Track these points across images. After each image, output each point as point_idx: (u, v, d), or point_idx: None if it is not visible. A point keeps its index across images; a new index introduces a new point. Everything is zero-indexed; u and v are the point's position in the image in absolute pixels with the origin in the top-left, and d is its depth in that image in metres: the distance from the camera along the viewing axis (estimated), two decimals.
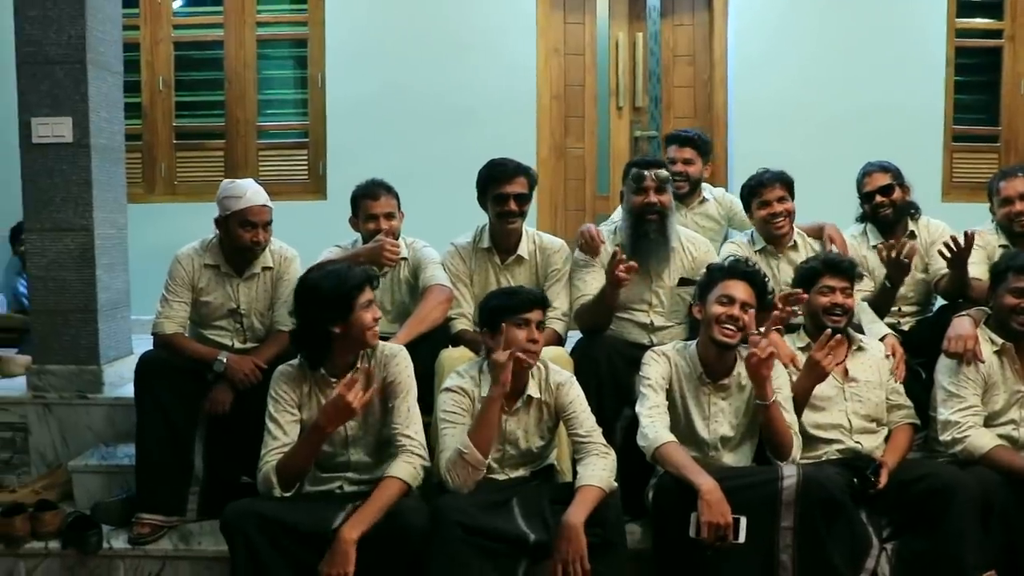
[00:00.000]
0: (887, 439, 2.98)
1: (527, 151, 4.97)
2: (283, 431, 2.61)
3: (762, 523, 2.53)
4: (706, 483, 2.49)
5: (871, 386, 2.99)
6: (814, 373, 2.82)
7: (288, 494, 2.56)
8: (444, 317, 3.18)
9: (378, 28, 4.95)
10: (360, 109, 4.92)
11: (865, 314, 3.31)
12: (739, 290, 2.77)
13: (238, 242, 3.16)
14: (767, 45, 5.08)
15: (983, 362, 2.92)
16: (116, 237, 3.67)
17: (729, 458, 2.83)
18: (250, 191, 3.16)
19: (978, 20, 5.34)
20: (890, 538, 2.75)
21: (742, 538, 2.46)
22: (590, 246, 3.28)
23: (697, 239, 3.41)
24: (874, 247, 3.54)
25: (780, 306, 2.89)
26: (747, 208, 3.53)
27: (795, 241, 3.47)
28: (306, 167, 5.05)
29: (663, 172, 3.26)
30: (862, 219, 3.62)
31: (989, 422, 2.94)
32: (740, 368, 2.85)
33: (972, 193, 5.07)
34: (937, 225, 3.59)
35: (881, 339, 3.15)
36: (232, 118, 5.00)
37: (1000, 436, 2.91)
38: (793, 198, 3.46)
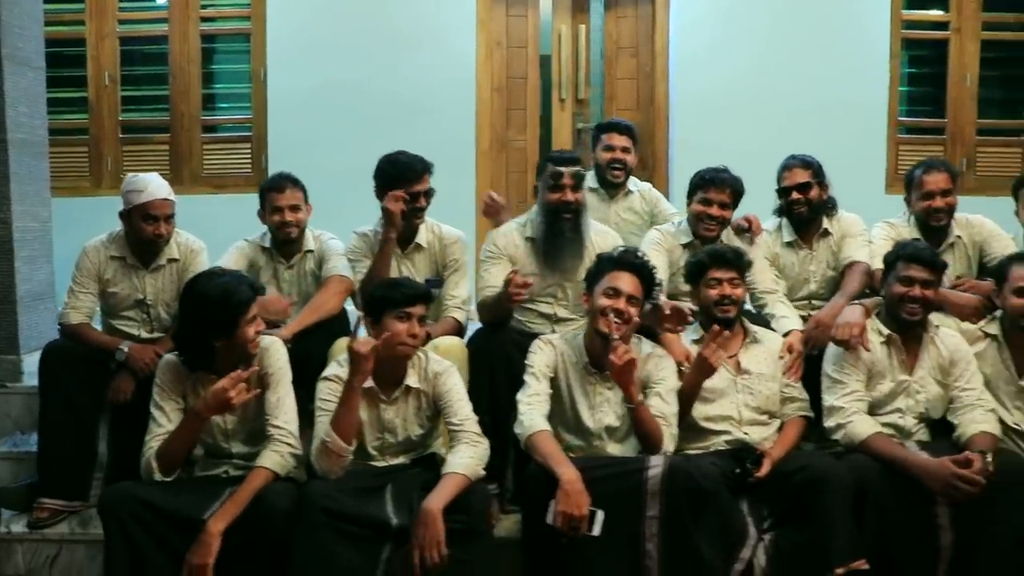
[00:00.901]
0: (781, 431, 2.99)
1: (466, 144, 5.02)
2: (167, 418, 2.67)
3: (628, 512, 2.55)
4: (567, 473, 2.51)
5: (763, 379, 3.00)
6: (702, 369, 2.83)
7: (168, 479, 2.62)
8: (340, 307, 3.22)
9: (319, 22, 4.99)
10: (302, 103, 4.97)
11: (778, 307, 3.34)
12: (625, 282, 2.79)
13: (141, 235, 3.21)
14: (709, 37, 5.09)
15: (868, 350, 2.93)
16: (39, 230, 3.73)
17: (615, 448, 2.84)
18: (152, 185, 3.21)
19: (924, 12, 5.34)
20: (771, 529, 2.76)
21: (596, 531, 2.48)
22: (491, 208, 3.41)
23: (607, 233, 3.41)
24: (787, 244, 3.56)
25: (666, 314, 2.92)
26: (689, 196, 3.47)
27: (722, 242, 3.45)
28: (249, 160, 5.10)
29: (579, 170, 3.26)
30: (778, 213, 3.61)
31: (875, 411, 2.95)
32: None
33: None
34: (850, 218, 3.58)
35: (786, 334, 3.16)
36: (177, 112, 5.06)
37: (886, 425, 2.92)
38: (735, 208, 3.44)
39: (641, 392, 2.82)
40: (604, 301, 2.77)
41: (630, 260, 2.85)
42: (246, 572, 2.49)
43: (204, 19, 5.05)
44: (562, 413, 2.91)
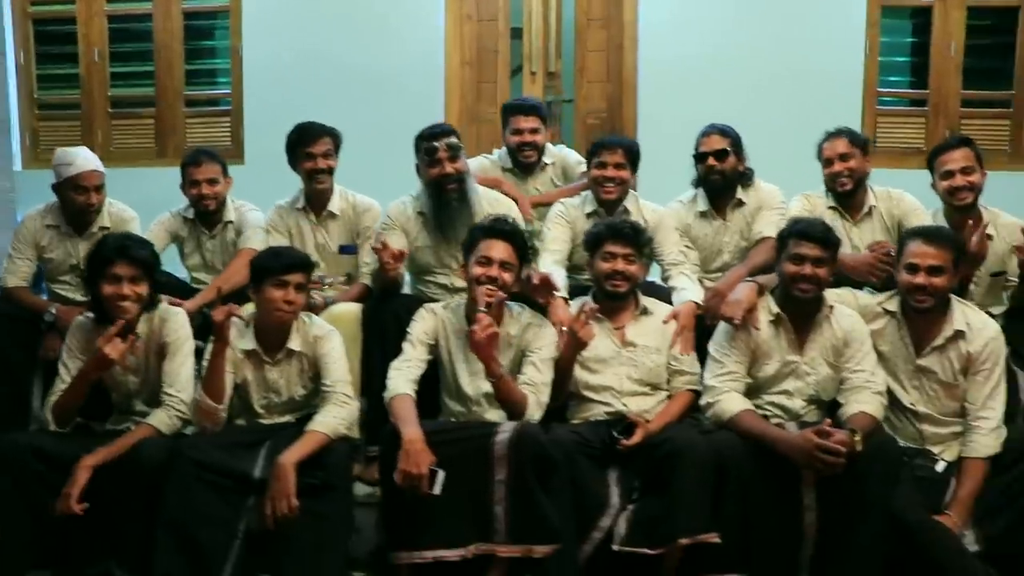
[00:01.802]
0: None
1: (434, 117, 5.07)
2: (68, 375, 2.87)
3: (476, 476, 2.64)
4: (409, 433, 2.61)
5: (648, 351, 3.03)
6: (574, 342, 2.88)
7: (63, 430, 2.83)
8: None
9: None
10: (276, 77, 5.12)
11: (680, 279, 3.34)
12: (498, 250, 2.86)
13: (73, 205, 3.43)
14: (678, 8, 5.04)
15: (757, 329, 2.90)
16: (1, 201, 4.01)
17: (494, 414, 2.90)
18: (80, 158, 3.42)
19: None
20: (639, 499, 2.78)
21: (437, 490, 2.57)
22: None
23: (500, 200, 3.47)
24: (701, 214, 3.56)
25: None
26: (588, 165, 3.53)
27: (625, 207, 3.49)
28: (229, 133, 5.29)
29: (454, 140, 3.31)
30: (696, 183, 3.60)
31: (762, 391, 2.94)
32: (509, 327, 2.96)
33: (899, 158, 4.96)
34: (767, 189, 3.56)
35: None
36: (161, 87, 5.28)
37: (772, 405, 2.93)
38: (635, 169, 3.47)
39: (520, 359, 2.91)
40: (477, 270, 2.85)
41: (501, 227, 2.91)
42: (122, 517, 2.67)
43: None
44: (444, 379, 3.01)
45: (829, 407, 2.94)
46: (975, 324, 2.90)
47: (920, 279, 2.81)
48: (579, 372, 3.02)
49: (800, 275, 2.84)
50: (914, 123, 5.14)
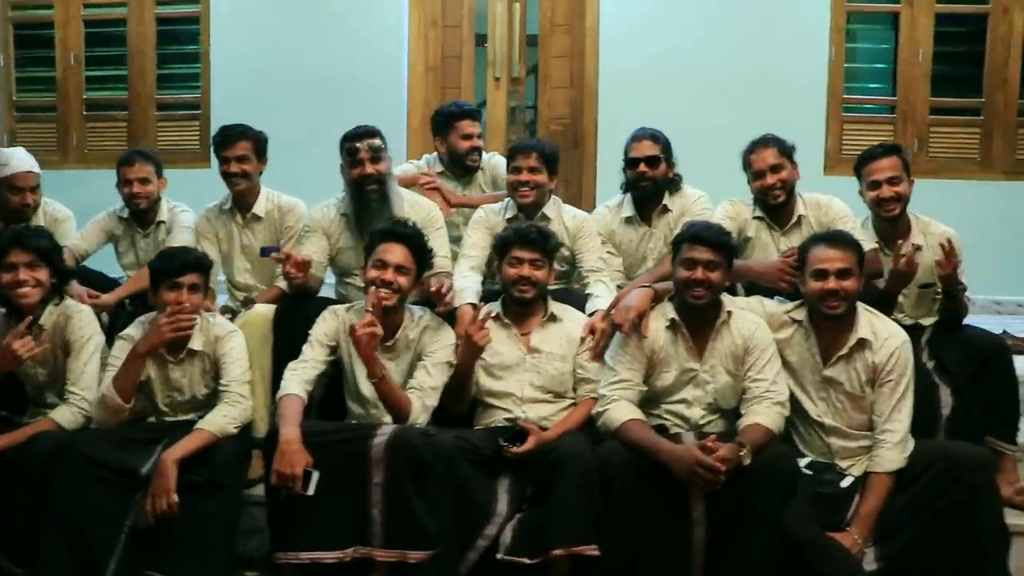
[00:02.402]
0: None
1: (396, 121, 5.14)
2: None
3: (355, 478, 2.65)
4: (286, 433, 2.64)
5: (553, 358, 3.01)
6: (470, 348, 2.87)
7: None
8: None
9: (258, 1, 5.21)
10: (243, 81, 5.22)
11: (596, 287, 3.31)
12: (393, 253, 2.87)
13: (8, 205, 3.52)
14: (639, 14, 5.04)
15: (645, 337, 2.86)
16: None
17: (391, 417, 2.87)
18: (15, 159, 3.52)
19: None
20: (526, 508, 2.76)
21: (311, 491, 2.58)
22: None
23: (421, 203, 3.48)
24: (626, 220, 3.54)
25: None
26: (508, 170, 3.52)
27: (544, 214, 3.46)
28: (198, 137, 5.39)
29: (376, 142, 3.33)
30: (624, 188, 3.57)
31: (661, 399, 2.90)
32: (409, 331, 2.98)
33: None
34: (692, 196, 3.52)
35: (591, 315, 3.14)
36: (134, 91, 5.40)
37: (671, 414, 2.88)
38: (551, 172, 3.45)
39: (416, 362, 2.93)
40: (372, 273, 2.87)
41: (398, 231, 2.93)
42: (8, 508, 2.73)
43: (159, 2, 5.36)
44: (345, 381, 3.04)
45: (735, 416, 2.89)
46: (881, 333, 2.82)
47: (831, 284, 2.74)
48: (483, 378, 3.02)
49: (692, 279, 2.79)
50: (882, 130, 5.06)
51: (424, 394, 2.84)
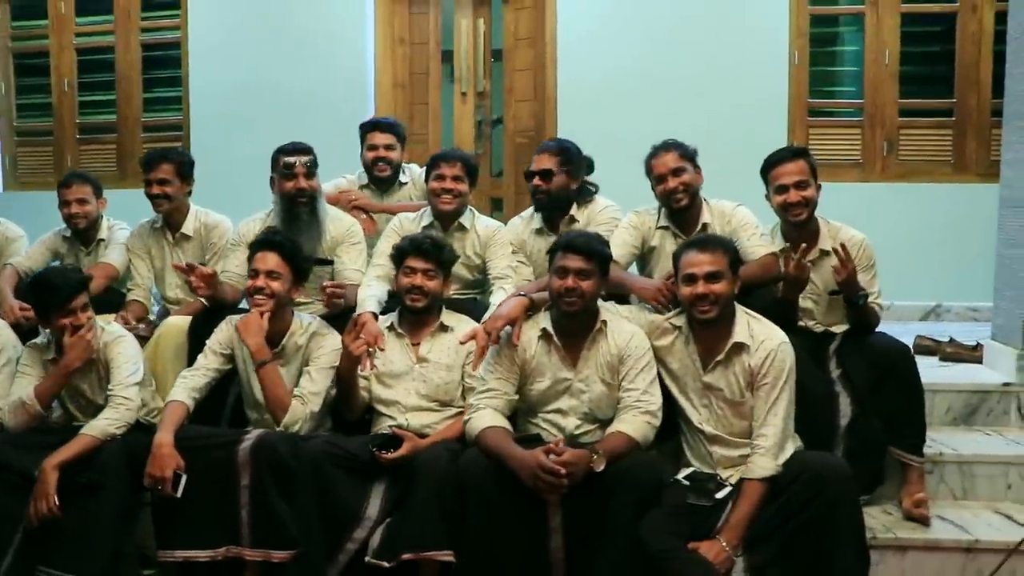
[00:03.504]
0: None
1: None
2: None
3: (225, 481, 2.76)
4: (160, 438, 2.76)
5: (439, 367, 3.05)
6: (347, 356, 2.92)
7: None
8: (100, 290, 3.55)
9: (232, 25, 5.39)
10: (218, 102, 5.41)
11: (498, 295, 3.32)
12: (265, 261, 2.98)
13: None
14: (596, 26, 5.05)
15: (516, 346, 2.85)
16: None
17: None
18: None
19: None
20: (394, 513, 2.78)
21: (178, 493, 2.70)
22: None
23: (342, 218, 3.58)
24: (537, 231, 3.57)
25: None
26: (427, 179, 3.57)
27: (460, 224, 3.51)
28: None
29: (311, 159, 3.45)
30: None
31: (537, 409, 2.90)
32: (297, 337, 3.07)
33: (833, 171, 4.79)
34: (600, 206, 3.52)
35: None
36: (122, 114, 5.66)
37: (548, 423, 2.89)
38: (471, 181, 3.50)
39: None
40: (249, 283, 3.00)
41: (268, 239, 3.04)
42: None
43: (144, 30, 5.61)
44: (242, 388, 3.15)
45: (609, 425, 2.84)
46: (758, 335, 2.78)
47: (700, 288, 2.72)
48: (374, 386, 3.08)
49: (564, 288, 2.79)
50: (849, 134, 4.96)
51: (305, 399, 2.93)
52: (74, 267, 3.23)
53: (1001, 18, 4.75)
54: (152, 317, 3.62)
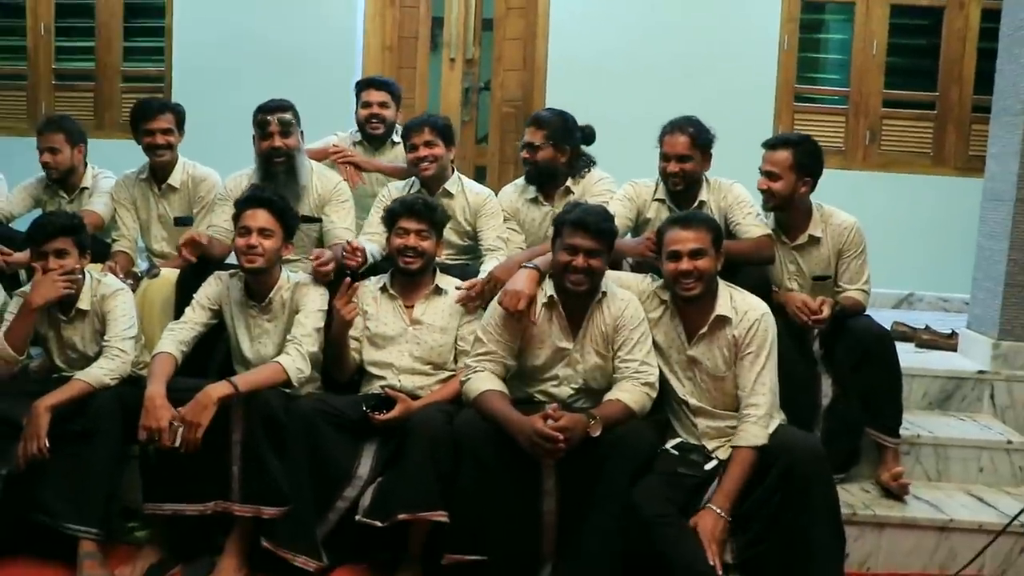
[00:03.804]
0: None
1: (350, 99, 5.18)
2: None
3: (217, 435, 2.73)
4: (151, 390, 2.73)
5: (433, 330, 3.05)
6: (339, 320, 2.91)
7: None
8: None
9: None
10: (203, 55, 5.29)
11: (490, 263, 3.33)
12: (254, 219, 2.94)
13: None
14: (587, 1, 5.04)
15: (535, 323, 2.86)
16: None
17: None
18: None
19: None
20: (384, 473, 2.81)
21: (177, 443, 2.67)
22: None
23: (328, 176, 3.55)
24: (531, 200, 3.57)
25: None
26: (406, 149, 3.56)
27: (446, 190, 3.50)
28: None
29: (286, 116, 3.39)
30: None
31: (534, 377, 2.92)
32: (283, 292, 3.05)
33: None
34: (595, 177, 3.54)
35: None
36: (101, 63, 5.51)
37: (542, 393, 2.91)
38: (448, 143, 3.48)
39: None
40: (239, 241, 2.95)
41: (258, 195, 3.01)
42: None
43: None
44: (230, 344, 3.12)
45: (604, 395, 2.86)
46: (741, 307, 2.83)
47: (684, 264, 2.75)
48: (366, 348, 3.08)
49: (573, 266, 2.78)
50: (833, 121, 5.02)
51: (299, 343, 2.92)
52: (73, 214, 3.14)
53: (987, 15, 4.86)
54: (137, 269, 3.55)
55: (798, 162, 3.21)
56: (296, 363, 2.88)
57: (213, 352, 3.24)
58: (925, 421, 3.40)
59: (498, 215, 3.51)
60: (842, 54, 5.06)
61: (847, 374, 3.16)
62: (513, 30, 5.22)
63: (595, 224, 2.81)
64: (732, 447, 2.74)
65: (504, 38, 5.23)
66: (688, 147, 3.29)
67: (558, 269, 2.85)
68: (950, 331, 3.91)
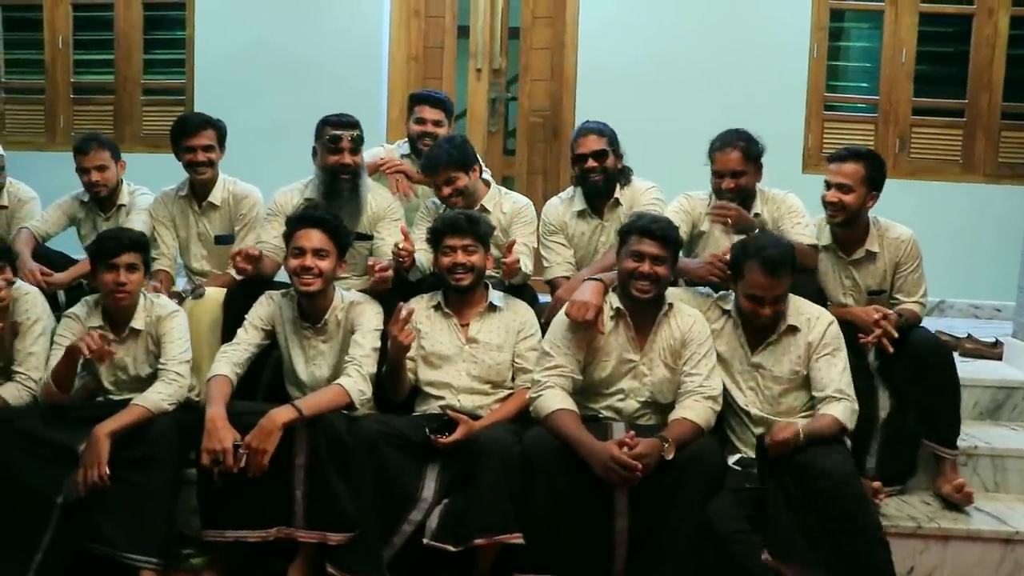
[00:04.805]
0: None
1: (377, 111, 5.16)
2: None
3: (280, 460, 2.69)
4: (212, 412, 2.70)
5: (491, 348, 3.02)
6: (394, 346, 2.87)
7: None
8: None
9: None
10: (226, 67, 5.23)
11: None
12: (310, 239, 2.90)
13: None
14: (619, 8, 5.01)
15: (602, 333, 2.85)
16: None
17: None
18: None
19: None
20: (451, 495, 2.78)
21: (242, 464, 2.64)
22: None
23: (383, 194, 3.52)
24: (579, 213, 3.53)
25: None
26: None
27: (483, 206, 3.44)
28: None
29: (358, 133, 3.37)
30: (575, 182, 3.55)
31: (598, 390, 2.90)
32: (337, 312, 3.01)
33: None
34: (641, 188, 3.49)
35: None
36: (120, 75, 5.44)
37: (608, 408, 2.89)
38: (470, 170, 3.38)
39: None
40: (293, 262, 2.92)
41: (311, 215, 2.98)
42: None
43: None
44: (283, 365, 3.08)
45: (668, 409, 2.86)
46: (811, 314, 2.88)
47: (766, 310, 2.78)
48: (421, 368, 3.04)
49: (639, 272, 2.79)
50: (863, 130, 5.01)
51: (359, 364, 2.88)
52: (138, 231, 3.10)
53: (1016, 22, 4.87)
54: (179, 289, 3.49)
55: (869, 175, 3.19)
56: (358, 385, 2.84)
57: (261, 373, 3.19)
58: (980, 431, 3.38)
59: (531, 224, 3.49)
60: (869, 62, 5.05)
61: (904, 386, 3.15)
62: (540, 39, 5.19)
63: (661, 231, 2.83)
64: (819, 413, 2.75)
65: (531, 48, 5.20)
66: (741, 162, 3.28)
67: (624, 277, 2.85)
68: (994, 340, 3.90)
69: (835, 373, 2.80)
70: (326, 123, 3.39)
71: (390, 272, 3.06)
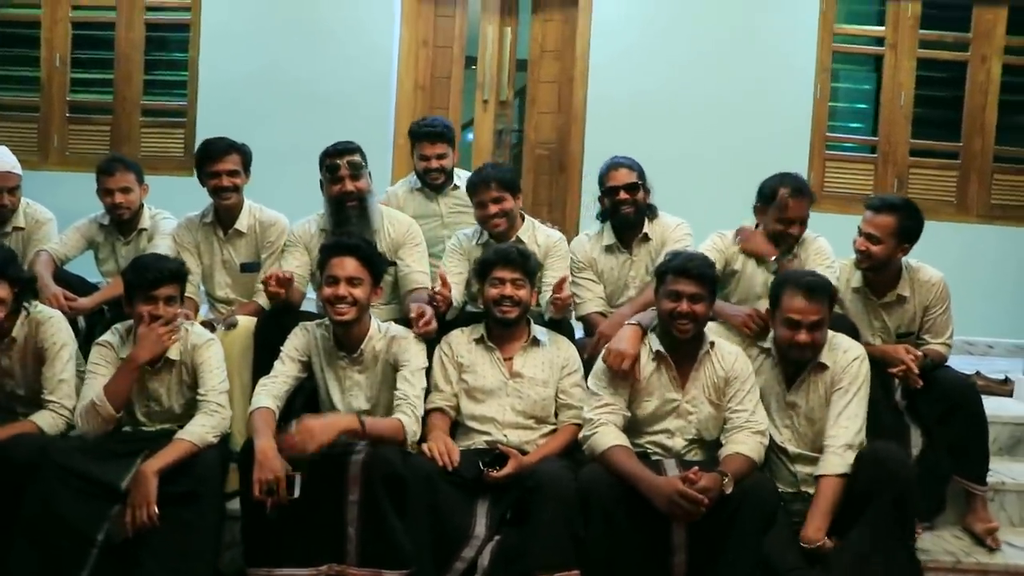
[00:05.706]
0: None
1: (383, 139, 5.15)
2: None
3: (332, 495, 2.64)
4: (261, 444, 2.64)
5: (535, 383, 3.01)
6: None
7: None
8: None
9: (249, 14, 5.19)
10: (230, 91, 5.19)
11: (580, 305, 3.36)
12: (344, 267, 2.87)
13: None
14: (628, 44, 5.09)
15: (638, 381, 2.86)
16: None
17: None
18: None
19: (861, 27, 5.19)
20: (504, 531, 2.74)
21: (296, 493, 2.58)
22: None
23: (399, 219, 3.50)
24: (607, 248, 3.55)
25: None
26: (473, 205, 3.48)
27: (518, 237, 3.42)
28: (182, 145, 5.35)
29: (355, 158, 3.33)
30: (602, 217, 3.58)
31: (643, 428, 2.90)
32: (375, 342, 2.97)
33: (844, 204, 4.97)
34: (671, 224, 3.52)
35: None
36: (119, 96, 5.35)
37: (652, 444, 2.89)
38: (514, 194, 3.39)
39: (390, 372, 2.95)
40: (327, 290, 2.88)
41: (345, 243, 2.94)
42: None
43: (149, 8, 5.32)
44: (320, 396, 3.02)
45: (715, 446, 2.89)
46: (839, 348, 2.89)
47: (803, 336, 2.78)
48: (464, 402, 3.02)
49: (678, 312, 2.81)
50: (863, 169, 5.15)
51: (411, 404, 2.85)
52: (176, 260, 3.02)
53: (1008, 70, 5.06)
54: (205, 317, 3.42)
55: (901, 227, 3.22)
56: (412, 426, 2.81)
57: (292, 402, 3.13)
58: (1003, 467, 3.46)
59: (565, 258, 3.47)
60: (866, 103, 5.19)
61: (933, 425, 3.20)
62: (548, 72, 5.25)
63: (697, 269, 2.85)
64: (815, 476, 2.77)
65: (539, 80, 5.25)
66: (806, 208, 3.34)
67: (663, 316, 2.87)
68: (1004, 377, 4.00)
69: (839, 409, 2.80)
70: (324, 154, 3.38)
71: (434, 325, 3.03)
